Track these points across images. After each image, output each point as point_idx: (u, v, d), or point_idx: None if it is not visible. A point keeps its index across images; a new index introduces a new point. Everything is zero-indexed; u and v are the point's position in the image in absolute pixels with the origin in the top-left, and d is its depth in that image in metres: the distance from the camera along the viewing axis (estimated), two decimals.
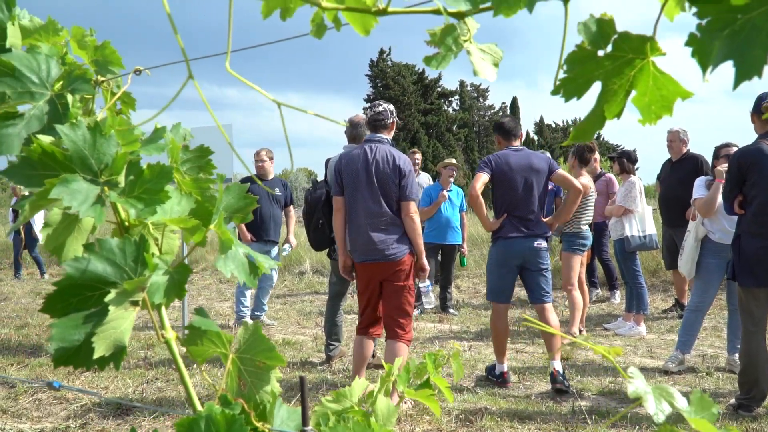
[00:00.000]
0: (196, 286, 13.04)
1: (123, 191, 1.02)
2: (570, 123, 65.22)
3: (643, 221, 7.75)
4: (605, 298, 10.17)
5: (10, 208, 15.71)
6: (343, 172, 5.10)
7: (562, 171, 5.81)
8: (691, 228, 6.13)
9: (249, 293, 8.62)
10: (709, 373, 5.98)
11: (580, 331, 7.59)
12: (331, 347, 6.57)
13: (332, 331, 6.56)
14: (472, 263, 12.59)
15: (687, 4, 0.77)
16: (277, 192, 8.50)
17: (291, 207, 8.82)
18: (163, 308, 1.07)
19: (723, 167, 5.59)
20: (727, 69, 0.67)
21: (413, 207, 5.01)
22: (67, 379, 5.93)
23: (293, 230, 8.98)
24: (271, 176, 8.60)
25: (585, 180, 7.15)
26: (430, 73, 55.95)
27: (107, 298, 0.93)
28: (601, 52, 0.82)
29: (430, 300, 5.10)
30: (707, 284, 5.95)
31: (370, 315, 5.25)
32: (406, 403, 5.01)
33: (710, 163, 6.65)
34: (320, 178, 6.84)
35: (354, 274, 5.27)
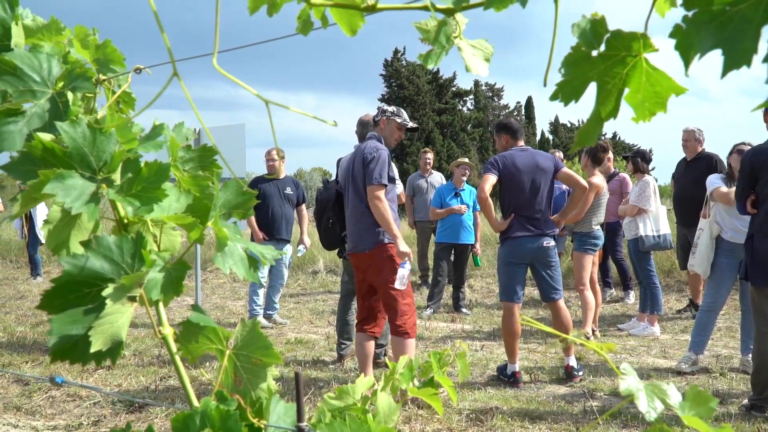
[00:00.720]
0: (210, 284, 13.09)
1: (121, 189, 1.03)
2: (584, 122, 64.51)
3: (658, 221, 7.71)
4: (619, 298, 10.11)
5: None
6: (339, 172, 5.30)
7: (567, 169, 5.84)
8: (703, 226, 6.09)
9: (262, 292, 8.64)
10: (723, 373, 5.94)
11: (593, 331, 7.55)
12: (343, 346, 6.57)
13: (344, 330, 6.57)
14: (485, 263, 12.56)
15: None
16: (288, 191, 8.51)
17: (303, 206, 8.82)
18: (161, 304, 1.08)
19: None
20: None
21: (376, 191, 4.99)
22: (81, 376, 5.98)
23: (307, 230, 8.99)
24: (282, 175, 8.62)
25: (598, 180, 7.12)
26: (445, 73, 55.90)
27: (104, 293, 0.94)
28: (594, 53, 0.83)
29: (404, 283, 5.08)
30: (720, 284, 5.91)
31: (363, 308, 5.39)
32: (415, 402, 5.01)
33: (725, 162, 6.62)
34: (333, 177, 6.85)
35: None
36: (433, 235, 10.31)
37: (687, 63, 0.70)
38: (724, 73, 0.67)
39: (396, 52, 55.10)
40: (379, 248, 5.07)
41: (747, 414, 4.85)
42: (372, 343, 5.40)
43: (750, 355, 5.71)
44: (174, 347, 1.07)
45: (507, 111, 60.39)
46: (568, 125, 65.70)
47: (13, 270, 15.88)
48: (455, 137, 52.44)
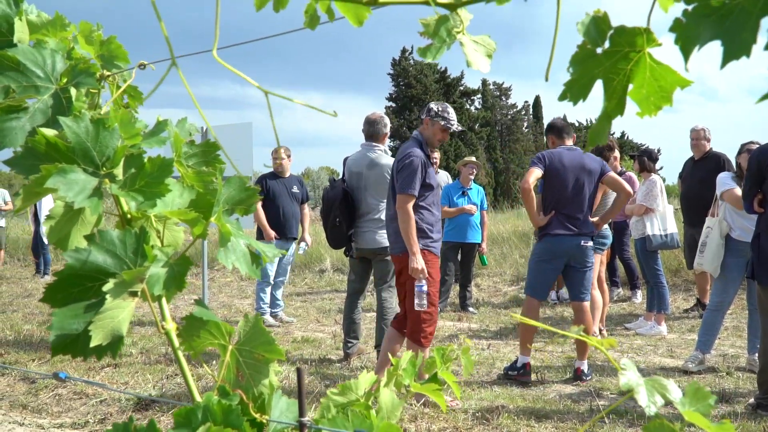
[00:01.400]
0: (218, 283, 13.12)
1: (124, 184, 1.03)
2: (593, 122, 64.42)
3: (665, 220, 7.69)
4: (626, 297, 10.09)
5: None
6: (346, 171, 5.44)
7: (613, 174, 5.86)
8: (711, 224, 6.07)
9: (269, 290, 8.66)
10: (730, 372, 5.92)
11: (600, 330, 7.54)
12: (349, 345, 6.57)
13: (350, 328, 6.56)
14: (492, 262, 12.55)
15: None
16: (295, 189, 8.55)
17: (305, 204, 8.85)
18: (164, 300, 1.08)
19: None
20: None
21: (402, 201, 4.99)
22: (88, 374, 6.00)
23: (308, 228, 9.02)
24: (288, 174, 8.64)
25: None
26: (453, 72, 55.81)
27: (105, 288, 0.95)
28: (599, 50, 0.83)
29: (422, 303, 5.01)
30: (727, 283, 5.90)
31: (402, 308, 5.34)
32: (421, 401, 5.01)
33: (733, 162, 6.60)
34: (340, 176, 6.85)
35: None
36: None
37: (687, 56, 0.70)
38: (723, 64, 0.67)
39: (404, 51, 55.10)
40: (406, 255, 5.05)
41: (753, 413, 4.83)
42: (398, 340, 5.35)
43: (757, 354, 5.70)
44: (177, 342, 1.07)
45: (515, 110, 60.29)
46: (576, 124, 65.62)
47: (20, 268, 15.96)
48: (462, 136, 52.35)
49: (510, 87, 61.67)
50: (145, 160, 1.06)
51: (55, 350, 0.95)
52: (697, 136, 8.22)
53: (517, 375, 5.76)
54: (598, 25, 0.82)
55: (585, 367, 5.83)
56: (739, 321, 8.17)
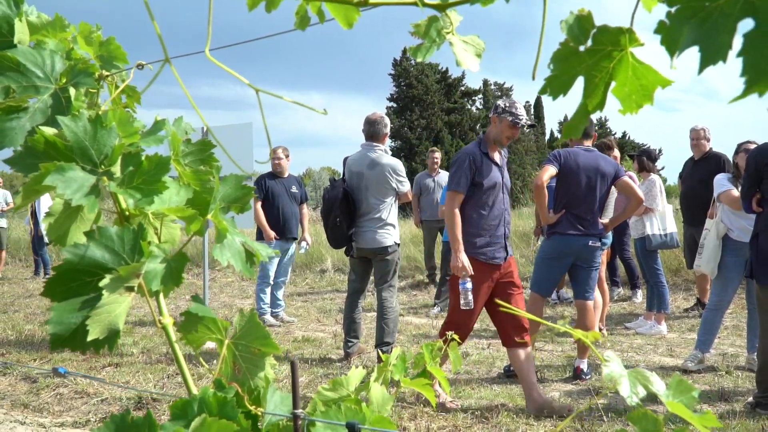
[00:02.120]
0: (219, 283, 13.14)
1: (122, 181, 1.05)
2: (594, 122, 64.57)
3: (664, 220, 7.70)
4: (627, 297, 10.10)
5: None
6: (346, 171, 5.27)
7: (627, 179, 5.84)
8: (709, 226, 6.09)
9: (269, 290, 8.68)
10: (729, 371, 5.93)
11: (600, 329, 7.55)
12: (350, 344, 6.59)
13: (351, 328, 6.58)
14: None
15: None
16: (294, 189, 8.57)
17: (304, 205, 8.88)
18: (161, 295, 1.10)
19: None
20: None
21: (449, 198, 5.05)
22: (90, 374, 6.02)
23: (308, 228, 9.04)
24: (287, 174, 8.67)
25: None
26: (454, 72, 55.86)
27: (101, 283, 0.97)
28: (582, 48, 0.84)
29: (468, 302, 4.95)
30: (726, 283, 5.91)
31: (496, 323, 5.31)
32: (420, 400, 5.03)
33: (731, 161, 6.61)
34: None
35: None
36: (440, 234, 10.32)
37: (672, 56, 0.72)
38: (700, 70, 0.68)
39: (404, 51, 55.03)
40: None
41: (752, 412, 4.85)
42: (521, 352, 5.08)
43: (756, 353, 5.71)
44: (174, 336, 1.09)
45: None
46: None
47: (22, 269, 16.00)
48: (464, 137, 52.37)
49: (511, 87, 61.70)
50: (143, 158, 1.08)
51: (54, 344, 0.98)
52: (697, 136, 8.22)
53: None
54: (581, 23, 0.84)
55: (585, 366, 5.86)
56: (738, 320, 8.19)
